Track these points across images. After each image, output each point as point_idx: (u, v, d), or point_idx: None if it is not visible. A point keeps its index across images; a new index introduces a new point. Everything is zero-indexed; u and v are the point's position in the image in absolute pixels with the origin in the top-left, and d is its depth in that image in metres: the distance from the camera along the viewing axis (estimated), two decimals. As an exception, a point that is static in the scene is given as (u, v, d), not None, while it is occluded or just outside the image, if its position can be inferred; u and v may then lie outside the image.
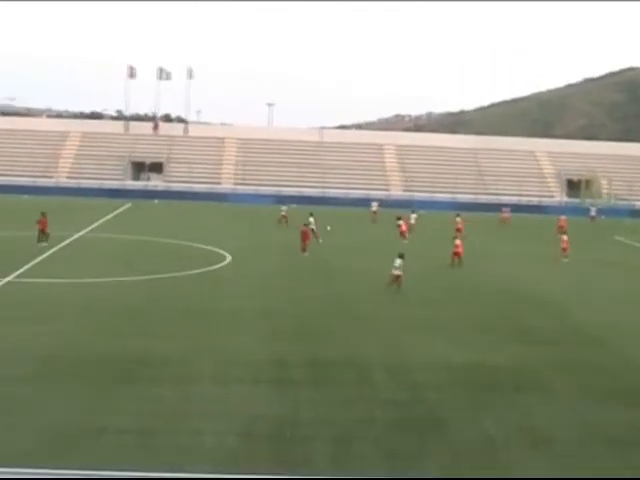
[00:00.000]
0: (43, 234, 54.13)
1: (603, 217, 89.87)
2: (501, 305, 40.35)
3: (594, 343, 33.35)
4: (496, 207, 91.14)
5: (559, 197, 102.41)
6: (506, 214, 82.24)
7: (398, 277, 41.37)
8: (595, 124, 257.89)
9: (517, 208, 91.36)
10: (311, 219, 61.41)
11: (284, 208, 74.47)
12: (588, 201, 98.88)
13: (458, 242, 51.59)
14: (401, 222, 64.53)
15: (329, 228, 65.59)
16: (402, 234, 63.39)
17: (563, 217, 74.71)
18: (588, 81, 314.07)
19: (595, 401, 25.66)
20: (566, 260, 55.80)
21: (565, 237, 57.88)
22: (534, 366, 29.35)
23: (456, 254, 50.99)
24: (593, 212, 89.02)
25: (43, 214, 54.81)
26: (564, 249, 56.32)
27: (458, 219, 68.70)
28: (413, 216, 71.65)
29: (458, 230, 64.67)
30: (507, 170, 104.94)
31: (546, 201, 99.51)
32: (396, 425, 22.72)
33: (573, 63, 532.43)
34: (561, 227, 71.05)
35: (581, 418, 24.00)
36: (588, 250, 62.78)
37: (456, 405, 24.61)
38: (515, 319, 37.08)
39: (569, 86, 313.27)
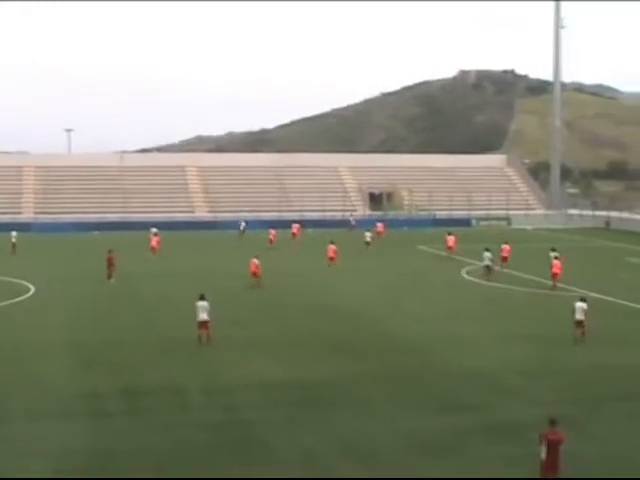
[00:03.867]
0: None
1: (405, 228, 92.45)
2: (315, 320, 41.00)
3: (407, 352, 34.39)
4: (308, 223, 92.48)
5: (362, 211, 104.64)
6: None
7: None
8: (395, 137, 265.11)
9: (321, 223, 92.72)
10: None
11: (14, 234, 72.46)
12: (391, 213, 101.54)
13: (256, 261, 51.34)
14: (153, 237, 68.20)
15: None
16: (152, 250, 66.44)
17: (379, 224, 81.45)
18: (386, 95, 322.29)
19: (412, 410, 26.51)
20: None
21: (333, 247, 60.58)
22: (350, 379, 30.04)
23: (254, 274, 50.98)
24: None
25: None
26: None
27: (272, 231, 74.75)
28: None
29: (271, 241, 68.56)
30: (310, 186, 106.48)
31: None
32: (216, 448, 22.83)
33: (369, 78, 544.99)
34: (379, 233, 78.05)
35: (399, 428, 24.73)
36: (393, 260, 64.51)
37: (275, 424, 24.92)
38: (329, 333, 37.78)
39: (367, 101, 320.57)
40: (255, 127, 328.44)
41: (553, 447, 19.16)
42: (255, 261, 51.44)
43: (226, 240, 79.67)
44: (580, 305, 36.08)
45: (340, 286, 52.34)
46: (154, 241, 68.83)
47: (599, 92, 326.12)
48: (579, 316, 35.92)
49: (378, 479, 21.05)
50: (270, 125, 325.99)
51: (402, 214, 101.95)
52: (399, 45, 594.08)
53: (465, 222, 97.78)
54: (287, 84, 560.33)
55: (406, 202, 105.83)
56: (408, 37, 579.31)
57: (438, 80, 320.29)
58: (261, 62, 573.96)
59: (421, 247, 73.84)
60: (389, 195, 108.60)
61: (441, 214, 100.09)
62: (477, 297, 48.54)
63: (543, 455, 19.17)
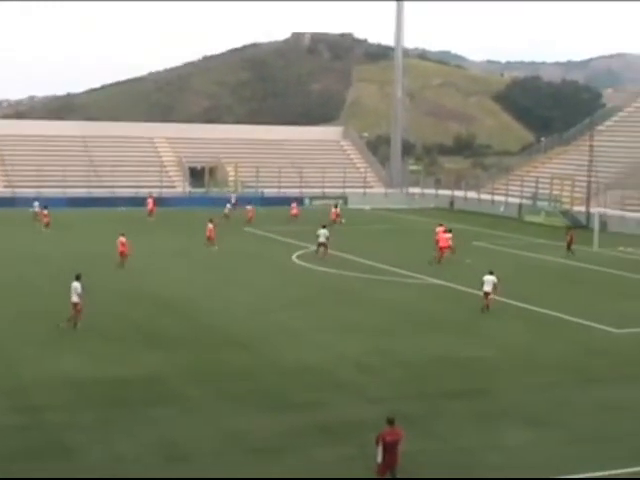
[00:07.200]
0: None
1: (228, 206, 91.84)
2: (130, 309, 40.72)
3: (235, 345, 34.72)
4: (111, 201, 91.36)
5: (182, 187, 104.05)
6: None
7: None
8: (220, 106, 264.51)
9: (135, 202, 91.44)
10: None
11: None
12: (214, 190, 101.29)
13: (123, 239, 51.94)
14: None
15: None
16: None
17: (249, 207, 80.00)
18: (209, 59, 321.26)
19: (239, 408, 26.83)
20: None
21: (211, 225, 61.85)
22: (170, 376, 30.13)
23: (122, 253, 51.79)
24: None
25: None
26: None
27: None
28: None
29: None
30: (123, 159, 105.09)
31: (168, 192, 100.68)
32: (15, 456, 22.49)
33: (191, 38, 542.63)
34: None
35: (224, 428, 24.99)
36: (217, 243, 64.49)
37: (83, 427, 24.75)
38: (146, 324, 37.72)
39: (188, 65, 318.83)
40: (60, 91, 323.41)
41: (390, 448, 19.69)
42: (122, 239, 51.81)
43: (26, 219, 77.82)
44: (489, 278, 41.28)
45: (161, 270, 52.17)
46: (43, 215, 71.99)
47: (444, 60, 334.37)
48: (487, 288, 41.21)
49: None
50: (78, 89, 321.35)
51: (227, 191, 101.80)
52: (224, 2, 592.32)
53: (297, 201, 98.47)
54: (97, 44, 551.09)
55: (231, 178, 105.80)
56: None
57: (269, 43, 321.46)
58: (68, 18, 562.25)
59: (248, 229, 74.06)
60: (212, 170, 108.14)
61: (270, 192, 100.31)
62: (310, 284, 49.16)
63: (379, 458, 19.66)
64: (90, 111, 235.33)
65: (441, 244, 56.43)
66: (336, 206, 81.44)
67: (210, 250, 59.87)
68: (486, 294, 41.30)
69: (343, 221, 77.95)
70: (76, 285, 36.07)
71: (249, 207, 79.14)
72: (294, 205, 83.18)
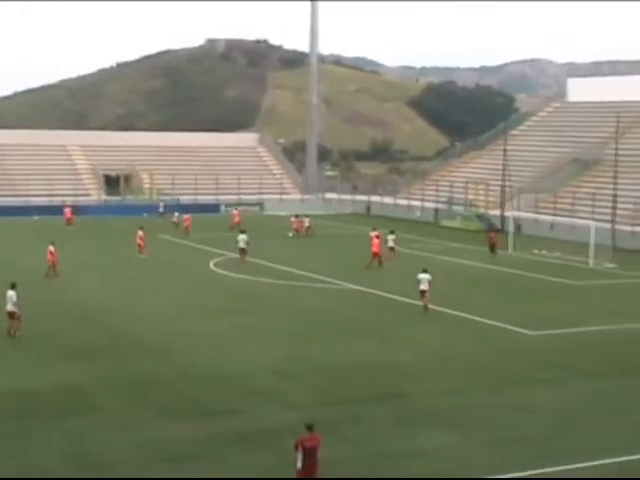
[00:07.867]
0: None
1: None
2: (43, 320, 39.77)
3: (150, 354, 34.51)
4: (25, 210, 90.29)
5: (97, 195, 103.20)
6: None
7: None
8: (133, 113, 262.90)
9: (49, 210, 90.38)
10: None
11: None
12: (129, 198, 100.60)
13: (52, 248, 51.49)
14: None
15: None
16: None
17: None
18: (122, 66, 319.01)
19: (154, 417, 26.66)
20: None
21: (141, 233, 61.82)
22: (84, 386, 29.83)
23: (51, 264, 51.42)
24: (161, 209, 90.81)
25: None
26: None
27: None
28: None
29: None
30: (36, 168, 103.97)
31: (83, 200, 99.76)
32: None
33: (103, 45, 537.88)
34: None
35: (138, 437, 24.78)
36: (133, 251, 63.94)
37: (-8, 438, 24.38)
38: (61, 335, 37.13)
39: (101, 72, 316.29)
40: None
41: (309, 454, 19.64)
42: (51, 248, 51.62)
43: None
44: (423, 276, 42.38)
45: (78, 279, 51.46)
46: None
47: (360, 65, 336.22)
48: (423, 286, 42.33)
49: None
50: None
51: (142, 199, 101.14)
52: (137, 8, 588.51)
53: (213, 208, 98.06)
54: (7, 50, 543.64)
55: (146, 186, 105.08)
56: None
57: (182, 49, 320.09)
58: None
59: (163, 236, 73.53)
60: (127, 178, 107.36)
61: (186, 199, 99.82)
62: (227, 291, 48.99)
63: (299, 464, 19.61)
64: (2, 119, 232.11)
65: (373, 249, 56.70)
66: (297, 216, 78.21)
67: (136, 258, 59.39)
68: (422, 292, 42.36)
69: (290, 235, 74.74)
70: (11, 294, 35.83)
71: (186, 216, 77.90)
72: (236, 212, 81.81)
